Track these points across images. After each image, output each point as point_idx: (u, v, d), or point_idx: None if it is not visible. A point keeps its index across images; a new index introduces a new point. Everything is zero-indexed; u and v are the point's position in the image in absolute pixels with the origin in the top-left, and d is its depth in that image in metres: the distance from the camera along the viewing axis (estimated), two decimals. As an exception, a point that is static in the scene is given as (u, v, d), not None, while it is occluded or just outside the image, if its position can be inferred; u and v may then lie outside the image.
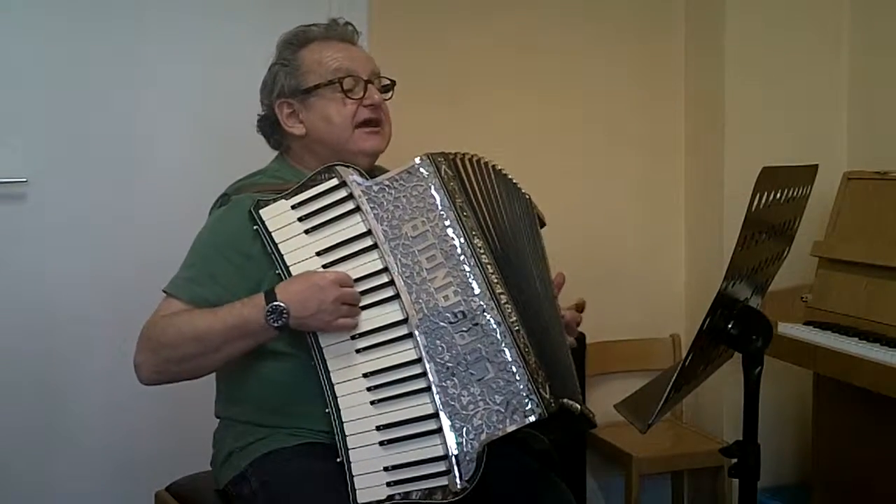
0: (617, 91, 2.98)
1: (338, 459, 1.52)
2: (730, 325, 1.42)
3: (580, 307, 1.78)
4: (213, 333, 1.56)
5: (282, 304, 1.52)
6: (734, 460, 1.46)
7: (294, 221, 1.60)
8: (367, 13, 2.57)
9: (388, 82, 1.80)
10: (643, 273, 3.05)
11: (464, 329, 1.53)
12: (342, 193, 1.61)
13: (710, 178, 2.93)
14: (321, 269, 1.57)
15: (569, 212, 2.85)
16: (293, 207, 1.61)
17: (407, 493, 1.50)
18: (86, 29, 2.43)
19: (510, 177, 1.75)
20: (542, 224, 1.81)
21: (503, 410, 1.49)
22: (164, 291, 1.64)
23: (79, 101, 2.43)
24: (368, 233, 1.58)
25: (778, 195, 1.43)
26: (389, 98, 1.80)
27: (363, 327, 1.56)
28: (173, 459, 2.02)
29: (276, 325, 1.53)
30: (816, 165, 1.60)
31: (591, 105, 2.96)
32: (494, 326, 1.52)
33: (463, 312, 1.53)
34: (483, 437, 1.48)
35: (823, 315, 2.44)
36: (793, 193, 1.51)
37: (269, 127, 1.79)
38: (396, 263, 1.56)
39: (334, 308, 1.52)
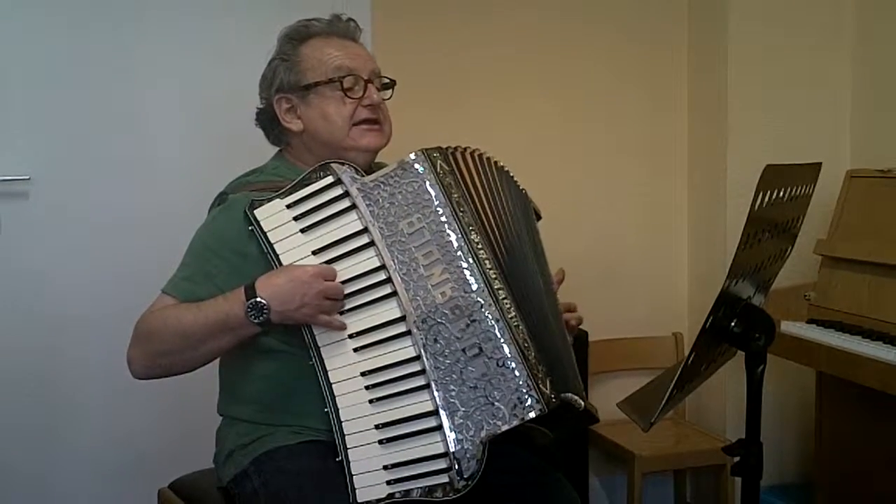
0: (620, 91, 2.98)
1: (337, 459, 1.52)
2: (732, 324, 1.42)
3: (572, 308, 1.75)
4: (197, 327, 1.55)
5: (262, 301, 1.51)
6: (737, 458, 1.45)
7: (289, 221, 1.58)
8: (370, 13, 2.57)
9: (388, 81, 1.78)
10: (646, 271, 3.05)
11: (462, 325, 1.52)
12: (337, 191, 1.59)
13: (712, 177, 2.92)
14: (304, 263, 1.55)
15: (572, 210, 2.85)
16: (288, 207, 1.59)
17: (407, 492, 1.49)
18: (86, 29, 2.43)
19: (507, 169, 1.72)
20: (538, 217, 1.78)
21: (503, 406, 1.48)
22: (162, 291, 1.64)
23: (80, 99, 2.43)
24: (364, 230, 1.57)
25: (781, 193, 1.42)
26: (389, 98, 1.78)
27: (360, 326, 1.55)
28: (176, 457, 2.02)
29: (256, 321, 1.52)
30: (819, 163, 1.60)
31: (593, 105, 2.96)
32: (492, 322, 1.51)
33: (460, 308, 1.52)
34: (483, 433, 1.48)
35: (826, 313, 2.44)
36: (796, 192, 1.51)
37: (268, 121, 1.78)
38: (393, 261, 1.55)
39: (317, 302, 1.51)
